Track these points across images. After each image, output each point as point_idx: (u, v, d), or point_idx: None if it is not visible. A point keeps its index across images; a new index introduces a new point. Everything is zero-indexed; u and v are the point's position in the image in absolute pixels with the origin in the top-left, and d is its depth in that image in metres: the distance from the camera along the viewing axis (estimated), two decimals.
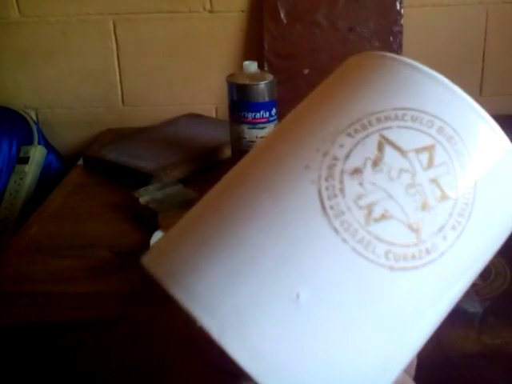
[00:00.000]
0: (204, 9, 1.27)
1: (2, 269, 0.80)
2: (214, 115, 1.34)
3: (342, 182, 0.26)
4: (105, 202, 0.97)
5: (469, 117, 0.28)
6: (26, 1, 1.27)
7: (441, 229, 0.26)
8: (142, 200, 0.89)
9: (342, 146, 0.27)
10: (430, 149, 0.27)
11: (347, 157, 0.27)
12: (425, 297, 0.27)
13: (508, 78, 1.30)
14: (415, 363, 0.33)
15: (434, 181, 0.27)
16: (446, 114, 0.28)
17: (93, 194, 1.02)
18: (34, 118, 1.35)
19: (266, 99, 0.96)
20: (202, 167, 1.07)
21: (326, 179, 0.26)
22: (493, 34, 1.27)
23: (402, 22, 1.23)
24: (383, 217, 0.26)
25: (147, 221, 0.87)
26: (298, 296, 0.24)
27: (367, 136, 0.27)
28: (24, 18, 1.28)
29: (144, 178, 0.99)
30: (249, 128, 0.97)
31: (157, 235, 0.82)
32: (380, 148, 0.27)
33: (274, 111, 0.98)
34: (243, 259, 0.25)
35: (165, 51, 1.31)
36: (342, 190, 0.26)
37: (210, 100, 1.33)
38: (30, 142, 1.25)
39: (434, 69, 0.31)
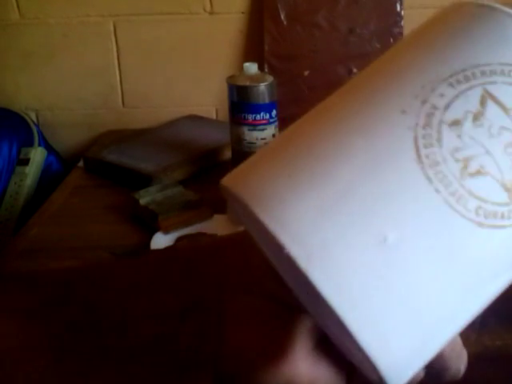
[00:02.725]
0: (204, 10, 1.27)
1: (2, 270, 0.80)
2: (214, 117, 1.34)
3: (439, 132, 0.26)
4: (105, 204, 0.97)
5: None
6: (27, 2, 1.27)
7: None
8: (142, 201, 0.89)
9: (442, 95, 0.27)
10: None
11: (447, 107, 0.26)
12: (504, 257, 0.27)
13: None
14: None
15: None
16: None
17: (93, 196, 1.02)
18: (35, 119, 1.35)
19: (267, 101, 0.96)
20: (202, 169, 1.07)
21: (424, 127, 0.26)
22: None
23: (402, 23, 1.23)
24: (479, 172, 0.26)
25: (147, 222, 0.87)
26: (385, 239, 0.25)
27: (470, 88, 0.27)
28: (24, 19, 1.28)
29: (144, 180, 0.99)
30: (249, 129, 0.97)
31: (157, 237, 0.82)
32: (482, 102, 0.26)
33: (274, 113, 0.98)
34: (334, 195, 0.25)
35: (165, 53, 1.31)
36: (439, 140, 0.26)
37: (210, 101, 1.33)
38: (31, 144, 1.25)
39: None
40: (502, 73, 0.27)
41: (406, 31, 1.23)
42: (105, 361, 0.33)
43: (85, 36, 1.30)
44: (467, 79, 0.27)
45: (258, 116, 0.96)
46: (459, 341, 0.33)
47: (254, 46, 1.29)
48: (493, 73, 0.27)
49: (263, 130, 0.97)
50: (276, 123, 0.99)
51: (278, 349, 0.30)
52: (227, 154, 1.07)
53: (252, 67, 0.97)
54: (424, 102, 0.27)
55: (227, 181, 0.28)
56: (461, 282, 0.26)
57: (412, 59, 0.29)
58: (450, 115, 0.26)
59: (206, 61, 1.31)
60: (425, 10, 1.25)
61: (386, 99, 0.27)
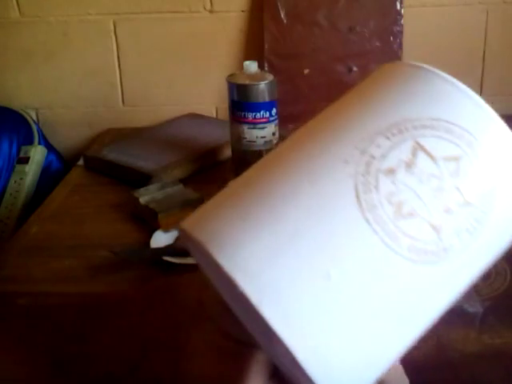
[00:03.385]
0: (204, 9, 1.27)
1: (1, 269, 0.80)
2: (214, 115, 1.34)
3: (377, 179, 0.29)
4: (105, 202, 0.97)
5: (502, 138, 0.31)
6: (26, 1, 1.27)
7: (458, 232, 0.29)
8: (142, 200, 0.89)
9: (379, 146, 0.30)
10: (457, 159, 0.30)
11: (383, 157, 0.30)
12: (435, 289, 0.30)
13: (508, 79, 1.30)
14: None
15: (458, 188, 0.30)
16: (477, 130, 0.31)
17: (93, 194, 1.02)
18: (35, 117, 1.35)
19: (266, 99, 0.96)
20: (202, 167, 1.07)
21: (363, 175, 0.29)
22: (493, 34, 1.27)
23: (402, 21, 1.23)
24: (410, 215, 0.29)
25: (147, 221, 0.87)
26: (329, 276, 0.27)
27: (403, 140, 0.30)
28: (24, 18, 1.28)
29: (144, 178, 0.99)
30: (249, 128, 0.97)
31: (157, 235, 0.82)
32: (414, 153, 0.30)
33: (274, 111, 0.98)
34: (283, 237, 0.28)
35: (165, 51, 1.31)
36: (376, 187, 0.29)
37: (210, 100, 1.33)
38: (31, 142, 1.25)
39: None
40: (431, 127, 0.30)
41: (406, 29, 1.23)
42: None
43: (85, 34, 1.30)
44: (401, 132, 0.30)
45: (258, 114, 0.96)
46: (400, 369, 0.35)
47: (254, 45, 1.29)
48: (423, 126, 0.30)
49: (263, 128, 0.97)
50: (276, 121, 0.99)
51: (232, 383, 0.31)
52: (227, 152, 1.07)
53: (252, 66, 0.97)
54: (363, 152, 0.30)
55: (186, 224, 0.31)
56: (395, 313, 0.29)
57: (353, 114, 0.32)
58: (386, 164, 0.30)
59: (206, 59, 1.31)
60: (424, 9, 1.25)
61: (331, 150, 0.31)
